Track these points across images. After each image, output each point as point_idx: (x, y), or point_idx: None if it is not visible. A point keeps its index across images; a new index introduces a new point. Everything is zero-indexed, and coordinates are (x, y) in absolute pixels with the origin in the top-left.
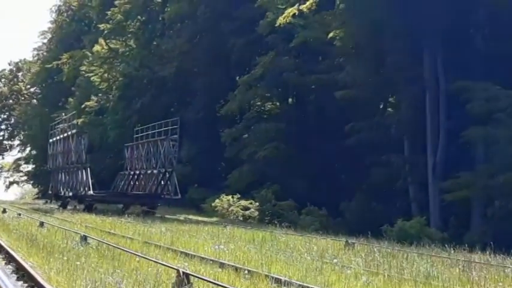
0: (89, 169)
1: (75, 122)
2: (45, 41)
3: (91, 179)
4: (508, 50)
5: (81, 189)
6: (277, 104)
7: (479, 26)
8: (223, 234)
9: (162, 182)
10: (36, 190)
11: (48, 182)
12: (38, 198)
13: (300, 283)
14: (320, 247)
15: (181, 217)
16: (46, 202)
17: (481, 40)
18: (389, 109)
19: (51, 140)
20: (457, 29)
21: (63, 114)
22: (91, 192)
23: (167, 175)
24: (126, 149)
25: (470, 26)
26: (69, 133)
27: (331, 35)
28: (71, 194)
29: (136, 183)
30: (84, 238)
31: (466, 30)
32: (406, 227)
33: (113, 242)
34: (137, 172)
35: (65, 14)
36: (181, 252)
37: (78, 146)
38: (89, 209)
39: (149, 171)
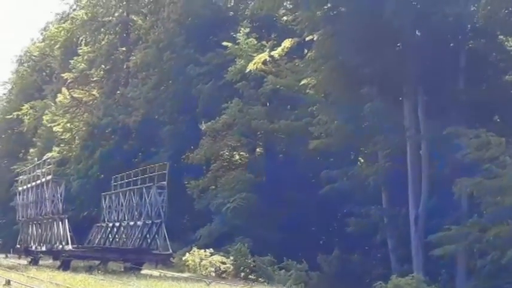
0: (66, 220)
1: (39, 171)
2: (6, 91)
3: (69, 231)
4: (491, 95)
5: (57, 243)
6: (245, 154)
7: (461, 70)
8: None
9: (148, 236)
10: None
11: (12, 236)
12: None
13: None
14: None
15: (156, 273)
16: (6, 256)
17: (464, 85)
18: (361, 159)
19: (20, 189)
20: (438, 74)
21: (33, 160)
22: (69, 247)
23: (154, 228)
24: (103, 198)
25: (451, 71)
26: (43, 180)
27: (303, 82)
28: (43, 248)
29: (116, 236)
30: None
31: (447, 75)
32: (401, 283)
33: None
34: (117, 224)
35: (26, 64)
36: None
37: (54, 195)
38: (65, 266)
39: (131, 223)
